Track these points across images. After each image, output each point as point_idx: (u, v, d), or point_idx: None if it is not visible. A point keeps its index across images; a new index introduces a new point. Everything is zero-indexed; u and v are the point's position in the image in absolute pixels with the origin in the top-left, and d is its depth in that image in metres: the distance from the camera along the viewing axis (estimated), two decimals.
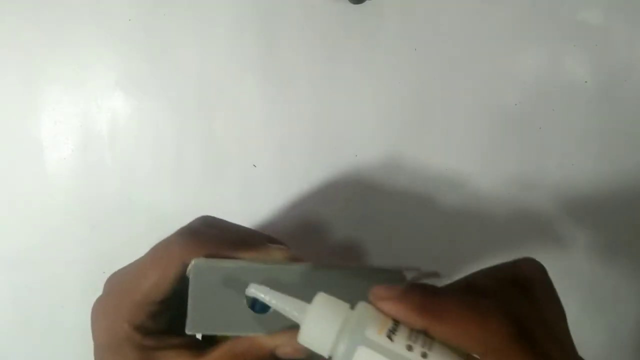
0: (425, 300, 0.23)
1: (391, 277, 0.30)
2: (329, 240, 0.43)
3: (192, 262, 0.27)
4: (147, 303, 0.27)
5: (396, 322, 0.23)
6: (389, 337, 0.22)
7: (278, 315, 0.25)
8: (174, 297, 0.28)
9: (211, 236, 0.28)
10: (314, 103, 0.42)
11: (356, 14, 0.42)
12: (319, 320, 0.23)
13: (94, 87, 0.41)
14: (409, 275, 0.32)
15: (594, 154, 0.43)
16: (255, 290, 0.25)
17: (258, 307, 0.27)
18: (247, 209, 0.42)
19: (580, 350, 0.25)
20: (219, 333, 0.27)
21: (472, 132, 0.43)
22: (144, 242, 0.31)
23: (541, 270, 0.28)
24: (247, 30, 0.41)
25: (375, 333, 0.23)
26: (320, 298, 0.24)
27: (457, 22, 0.42)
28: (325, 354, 0.23)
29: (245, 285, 0.26)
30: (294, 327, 0.25)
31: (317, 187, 0.42)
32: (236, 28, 0.41)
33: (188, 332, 0.26)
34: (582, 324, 0.43)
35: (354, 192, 0.42)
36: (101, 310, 0.28)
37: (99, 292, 0.30)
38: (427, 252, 0.43)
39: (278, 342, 0.27)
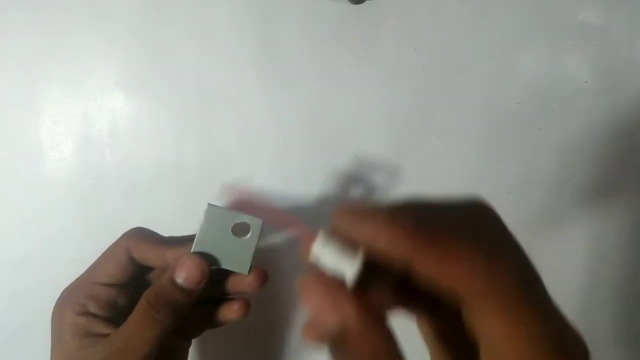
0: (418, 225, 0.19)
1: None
2: None
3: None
4: (98, 283, 0.32)
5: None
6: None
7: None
8: (121, 295, 0.33)
9: (150, 231, 0.34)
10: (313, 103, 0.42)
11: (356, 14, 0.42)
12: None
13: (94, 87, 0.41)
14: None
15: (594, 154, 0.43)
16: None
17: None
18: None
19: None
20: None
21: (472, 132, 0.43)
22: None
23: None
24: (247, 30, 0.41)
25: None
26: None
27: (457, 22, 0.42)
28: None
29: None
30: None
31: (317, 187, 0.42)
32: (236, 28, 0.41)
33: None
34: (582, 319, 0.43)
35: (354, 192, 0.42)
36: (59, 299, 0.32)
37: None
38: None
39: (171, 263, 0.31)
